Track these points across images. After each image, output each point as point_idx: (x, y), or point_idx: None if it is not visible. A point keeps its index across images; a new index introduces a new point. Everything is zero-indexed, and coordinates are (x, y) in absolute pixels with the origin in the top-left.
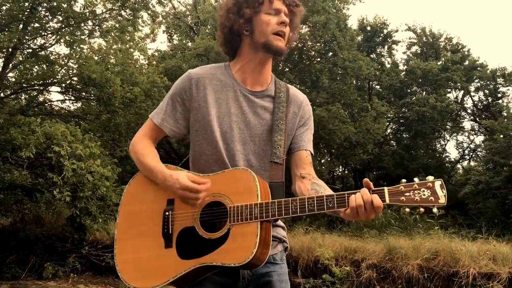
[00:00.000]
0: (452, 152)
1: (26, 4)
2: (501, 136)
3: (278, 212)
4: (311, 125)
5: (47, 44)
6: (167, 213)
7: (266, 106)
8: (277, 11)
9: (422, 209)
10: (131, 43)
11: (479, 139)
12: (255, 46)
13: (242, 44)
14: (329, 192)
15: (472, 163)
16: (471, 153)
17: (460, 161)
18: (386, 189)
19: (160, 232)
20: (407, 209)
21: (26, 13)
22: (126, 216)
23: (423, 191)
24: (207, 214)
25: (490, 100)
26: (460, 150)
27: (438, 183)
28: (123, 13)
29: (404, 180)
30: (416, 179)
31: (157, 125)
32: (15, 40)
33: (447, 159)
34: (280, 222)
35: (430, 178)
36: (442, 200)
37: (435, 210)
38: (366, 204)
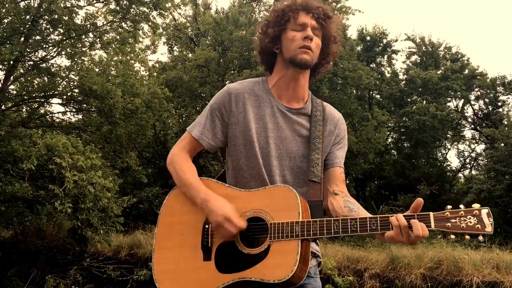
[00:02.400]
0: (454, 161)
1: (28, 17)
2: (502, 144)
3: (320, 231)
4: (346, 143)
5: (48, 57)
6: (207, 226)
7: (303, 124)
8: (303, 26)
9: (468, 236)
10: (132, 55)
11: (480, 147)
12: (285, 62)
13: (276, 61)
14: (363, 210)
15: (473, 172)
16: (472, 162)
17: (462, 170)
18: (431, 214)
19: (199, 244)
20: (453, 236)
21: (27, 26)
22: (165, 227)
23: (469, 218)
24: (248, 229)
25: (490, 108)
26: (461, 159)
27: (485, 211)
28: (123, 25)
29: (449, 206)
30: (462, 206)
31: (195, 138)
32: (17, 52)
33: (449, 168)
34: None
35: (477, 206)
36: (489, 228)
37: (480, 238)
38: (405, 228)
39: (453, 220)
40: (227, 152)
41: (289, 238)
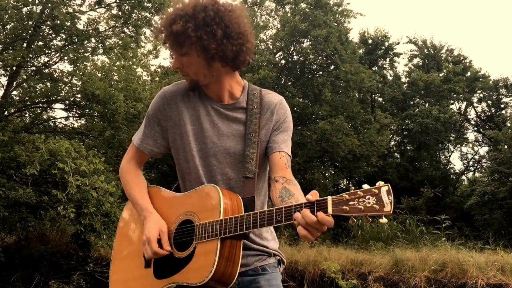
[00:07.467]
0: (457, 163)
1: (30, 22)
2: (506, 146)
3: (234, 228)
4: (287, 126)
5: (51, 62)
6: None
7: (239, 118)
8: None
9: (369, 219)
10: (134, 60)
11: (483, 150)
12: None
13: None
14: (298, 197)
15: (477, 174)
16: (476, 164)
17: (465, 172)
18: (329, 198)
19: (142, 252)
20: (355, 219)
21: (30, 31)
22: (120, 236)
23: (368, 198)
24: (180, 232)
25: (493, 110)
26: (465, 161)
27: (384, 188)
28: (126, 30)
29: (352, 187)
30: (364, 186)
31: (136, 146)
32: (19, 58)
33: (452, 170)
34: (268, 236)
35: (381, 183)
36: (388, 207)
37: (382, 220)
38: (307, 221)
39: (352, 203)
40: (173, 157)
41: (210, 238)
